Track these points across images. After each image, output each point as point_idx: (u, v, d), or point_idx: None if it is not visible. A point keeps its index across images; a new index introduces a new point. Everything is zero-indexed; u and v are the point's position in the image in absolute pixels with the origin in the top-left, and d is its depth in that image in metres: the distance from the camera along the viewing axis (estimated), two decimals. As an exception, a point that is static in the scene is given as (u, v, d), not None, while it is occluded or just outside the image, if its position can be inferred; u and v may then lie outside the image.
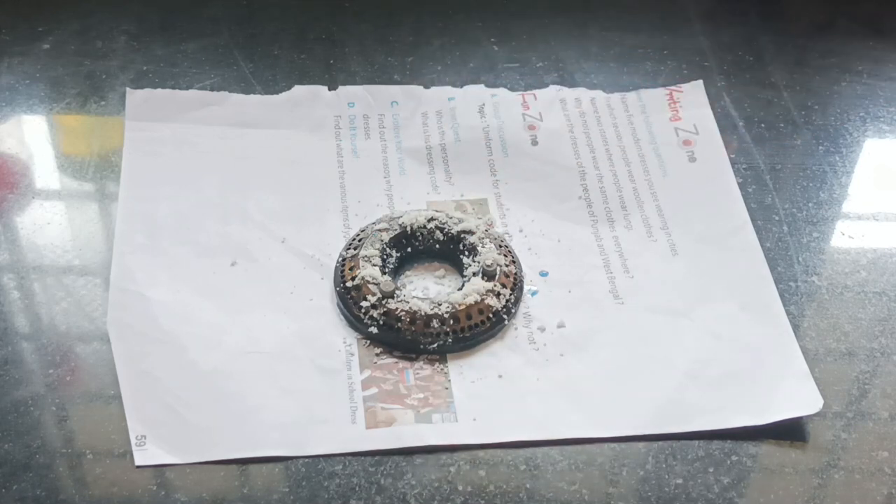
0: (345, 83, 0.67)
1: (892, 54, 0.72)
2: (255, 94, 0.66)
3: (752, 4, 0.76)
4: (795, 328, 0.53)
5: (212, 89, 0.66)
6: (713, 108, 0.66)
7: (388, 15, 0.74)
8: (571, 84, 0.68)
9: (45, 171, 0.62)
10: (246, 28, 0.72)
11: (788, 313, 0.53)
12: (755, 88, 0.69)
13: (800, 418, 0.48)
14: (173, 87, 0.66)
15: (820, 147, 0.65)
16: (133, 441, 0.46)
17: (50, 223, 0.58)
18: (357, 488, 0.46)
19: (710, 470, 0.47)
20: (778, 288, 0.55)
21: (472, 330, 0.51)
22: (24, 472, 0.45)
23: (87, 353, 0.51)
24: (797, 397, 0.49)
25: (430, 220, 0.56)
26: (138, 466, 0.46)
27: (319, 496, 0.45)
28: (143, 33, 0.71)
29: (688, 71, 0.70)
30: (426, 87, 0.67)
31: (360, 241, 0.55)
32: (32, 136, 0.64)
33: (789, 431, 0.48)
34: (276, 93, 0.66)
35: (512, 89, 0.67)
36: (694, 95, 0.67)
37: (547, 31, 0.73)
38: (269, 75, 0.68)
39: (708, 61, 0.71)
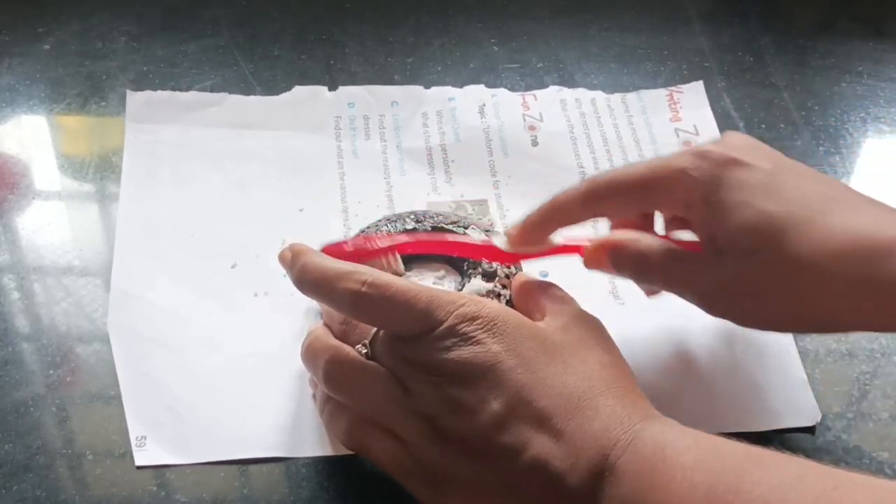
0: (345, 84, 0.67)
1: (892, 54, 0.72)
2: (255, 94, 0.66)
3: (752, 4, 0.76)
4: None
5: (212, 90, 0.66)
6: (713, 109, 0.66)
7: (388, 15, 0.74)
8: (572, 85, 0.68)
9: (45, 172, 0.62)
10: (246, 28, 0.72)
11: (788, 314, 0.53)
12: (755, 89, 0.69)
13: (799, 419, 0.48)
14: (173, 88, 0.66)
15: (820, 147, 0.65)
16: (133, 441, 0.47)
17: (50, 224, 0.58)
18: (358, 488, 0.46)
19: (711, 470, 0.46)
20: (778, 288, 0.55)
21: (473, 330, 0.51)
22: (24, 473, 0.46)
23: (88, 354, 0.51)
24: (795, 409, 0.49)
25: (431, 220, 0.56)
26: (138, 467, 0.46)
27: (320, 497, 0.45)
28: (143, 34, 0.71)
29: (688, 71, 0.70)
30: (426, 87, 0.67)
31: (360, 241, 0.54)
32: (33, 136, 0.64)
33: (789, 432, 0.48)
34: (277, 93, 0.66)
35: (512, 90, 0.67)
36: (694, 96, 0.67)
37: (547, 32, 0.73)
38: (269, 76, 0.68)
39: (708, 62, 0.71)
